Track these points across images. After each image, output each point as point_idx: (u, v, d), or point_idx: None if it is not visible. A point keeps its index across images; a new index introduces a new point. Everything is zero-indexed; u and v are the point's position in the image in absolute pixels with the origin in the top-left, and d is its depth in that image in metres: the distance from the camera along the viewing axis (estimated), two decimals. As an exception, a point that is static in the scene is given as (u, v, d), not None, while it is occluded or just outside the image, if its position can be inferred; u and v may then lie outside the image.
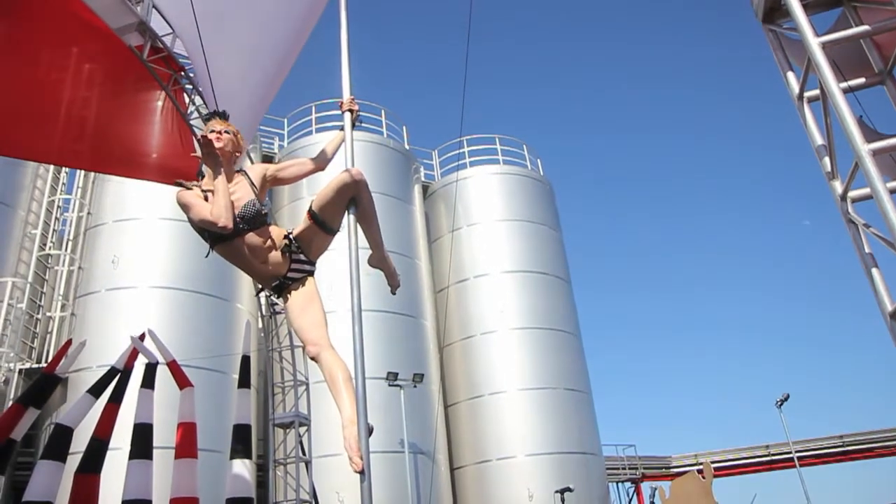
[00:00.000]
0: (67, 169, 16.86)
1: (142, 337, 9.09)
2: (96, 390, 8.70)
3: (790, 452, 21.14)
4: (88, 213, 15.78)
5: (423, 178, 20.78)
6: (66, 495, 8.09)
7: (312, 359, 3.52)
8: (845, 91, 3.78)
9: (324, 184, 3.73)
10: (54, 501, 7.74)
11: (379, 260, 3.81)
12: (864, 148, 3.59)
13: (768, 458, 26.45)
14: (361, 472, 3.11)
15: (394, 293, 3.91)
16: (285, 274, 3.63)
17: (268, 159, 19.10)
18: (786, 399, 20.29)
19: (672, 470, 25.72)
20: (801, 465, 20.13)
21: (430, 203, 20.71)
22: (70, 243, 15.67)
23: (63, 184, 16.95)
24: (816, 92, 4.17)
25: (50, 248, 15.84)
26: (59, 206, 16.65)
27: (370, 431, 3.24)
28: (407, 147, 20.32)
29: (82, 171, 16.32)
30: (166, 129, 7.71)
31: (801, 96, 4.31)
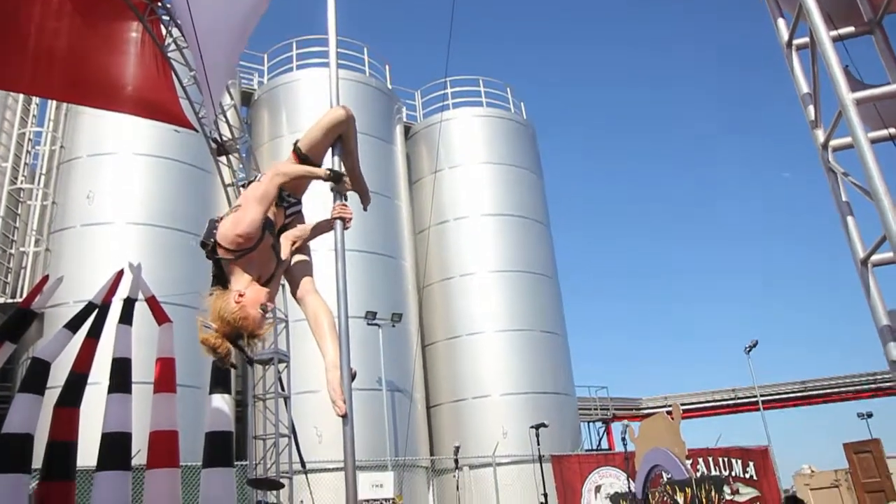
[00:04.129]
0: (38, 100, 16.42)
1: (121, 272, 9.03)
2: (73, 325, 8.67)
3: (755, 396, 21.75)
4: (62, 147, 15.45)
5: (405, 119, 20.54)
6: (45, 428, 8.15)
7: (297, 301, 3.52)
8: (834, 39, 3.78)
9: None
10: (34, 433, 7.80)
11: (355, 183, 3.76)
12: (849, 97, 3.61)
13: (734, 402, 27.27)
14: (344, 416, 3.16)
15: (365, 209, 3.86)
16: (284, 224, 3.58)
17: (247, 96, 18.74)
18: (754, 345, 20.75)
19: (642, 411, 26.45)
20: (764, 409, 20.73)
21: (411, 144, 20.52)
22: (43, 178, 15.38)
23: (34, 116, 16.50)
24: (805, 40, 4.16)
25: (22, 182, 15.53)
26: (30, 140, 16.25)
27: (353, 376, 3.28)
28: (389, 87, 20.01)
29: (54, 103, 15.92)
30: (143, 61, 7.52)
31: (789, 43, 4.31)
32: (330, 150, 3.69)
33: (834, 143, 4.02)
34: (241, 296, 3.09)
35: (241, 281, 3.16)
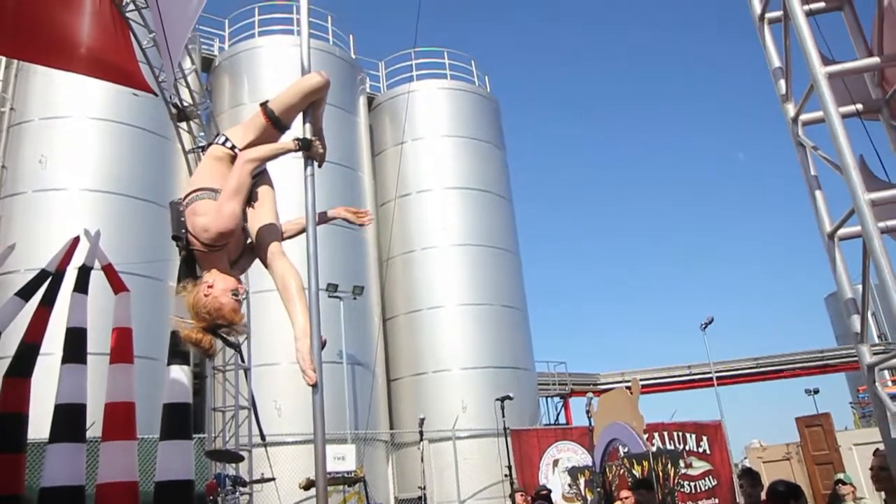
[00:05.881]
0: (-14, 60, 15.78)
1: (76, 240, 8.76)
2: (25, 293, 8.41)
3: (710, 372, 22.22)
4: (12, 109, 14.89)
5: (368, 90, 20.26)
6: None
7: (264, 265, 3.43)
8: (807, 14, 3.79)
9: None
10: (-17, 404, 7.57)
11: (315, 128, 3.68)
12: (821, 71, 3.63)
13: (689, 377, 27.85)
14: (314, 386, 3.09)
15: (320, 167, 3.76)
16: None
17: (207, 62, 18.27)
18: (710, 322, 21.14)
19: (599, 386, 26.81)
20: (719, 384, 21.20)
21: (374, 115, 20.27)
22: (-8, 141, 14.82)
23: (-19, 76, 15.85)
24: (778, 13, 4.17)
25: (-30, 145, 14.96)
26: (-22, 101, 15.62)
27: (323, 345, 3.21)
28: (353, 56, 19.70)
29: (3, 62, 15.30)
30: (100, 19, 7.21)
31: (762, 17, 4.31)
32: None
33: (804, 117, 4.05)
34: (209, 287, 3.07)
35: (210, 270, 3.15)
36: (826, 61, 3.71)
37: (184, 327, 3.08)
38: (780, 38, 4.12)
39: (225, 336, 3.16)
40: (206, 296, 3.05)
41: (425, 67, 20.52)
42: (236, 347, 3.60)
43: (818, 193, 3.96)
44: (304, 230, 3.65)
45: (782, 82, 4.18)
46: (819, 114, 3.81)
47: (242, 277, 3.41)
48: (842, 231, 3.75)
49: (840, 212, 3.83)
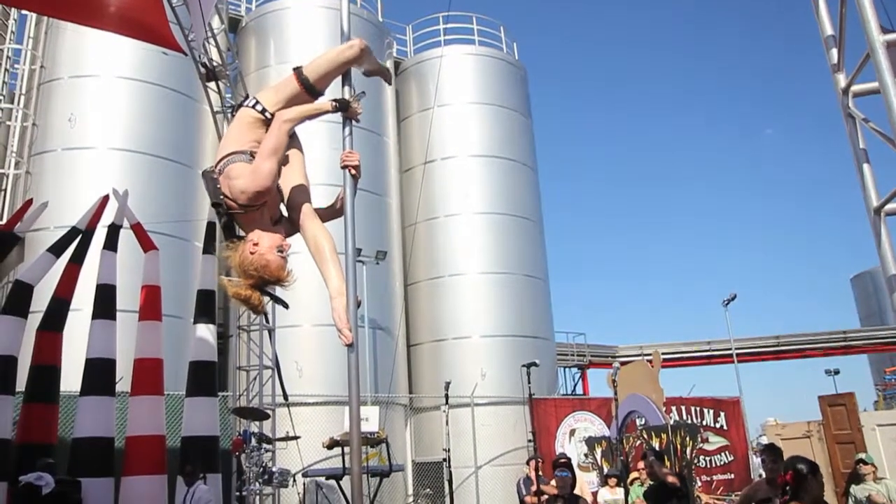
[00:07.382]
0: (15, 16, 15.80)
1: (106, 198, 8.85)
2: (57, 249, 8.55)
3: (730, 349, 22.09)
4: (42, 67, 14.92)
5: (395, 55, 20.06)
6: (27, 352, 8.09)
7: (295, 226, 3.44)
8: (865, -21, 3.65)
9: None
10: (17, 355, 7.74)
11: (375, 69, 3.83)
12: (880, 39, 3.51)
13: (709, 353, 27.75)
14: (350, 345, 3.11)
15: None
16: None
17: (234, 22, 18.15)
18: (733, 298, 20.96)
19: (618, 359, 26.79)
20: (738, 362, 21.08)
21: (400, 80, 20.08)
22: (23, 98, 14.90)
23: (12, 32, 15.88)
24: (832, -21, 4.06)
25: (0, 102, 15.06)
26: (8, 58, 15.67)
27: (358, 304, 3.22)
28: (381, 19, 19.47)
29: (33, 19, 15.32)
30: (132, -26, 7.15)
31: (816, -17, 4.18)
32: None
33: (855, 88, 3.93)
34: (255, 245, 3.11)
35: (254, 229, 3.18)
36: (885, 30, 3.59)
37: (231, 285, 3.11)
38: (835, 5, 3.99)
39: (272, 293, 3.19)
40: (251, 253, 3.07)
41: (453, 33, 20.24)
42: (285, 304, 3.62)
43: (866, 167, 3.86)
44: (334, 216, 3.62)
45: (834, 51, 4.05)
46: (872, 84, 3.70)
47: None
48: (889, 206, 3.66)
49: (885, 187, 3.74)
